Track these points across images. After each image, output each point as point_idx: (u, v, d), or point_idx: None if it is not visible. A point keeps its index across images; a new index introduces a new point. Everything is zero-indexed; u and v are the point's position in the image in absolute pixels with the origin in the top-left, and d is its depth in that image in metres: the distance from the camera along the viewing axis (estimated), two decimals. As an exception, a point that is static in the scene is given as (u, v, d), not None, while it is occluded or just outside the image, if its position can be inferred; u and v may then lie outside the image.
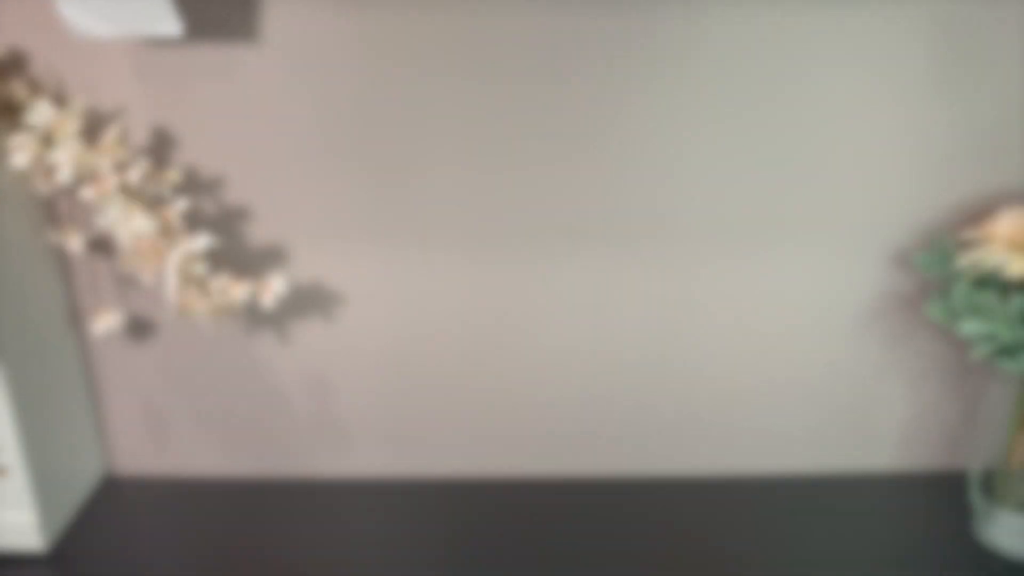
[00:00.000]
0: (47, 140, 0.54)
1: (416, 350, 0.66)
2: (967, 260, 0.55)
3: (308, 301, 0.64)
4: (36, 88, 0.57)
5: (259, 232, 0.62)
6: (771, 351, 0.66)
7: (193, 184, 0.60)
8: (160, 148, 0.59)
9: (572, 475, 0.70)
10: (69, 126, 0.54)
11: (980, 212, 0.60)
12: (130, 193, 0.55)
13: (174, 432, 0.69)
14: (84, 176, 0.55)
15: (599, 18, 0.55)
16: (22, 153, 0.54)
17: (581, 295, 0.64)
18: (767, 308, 0.64)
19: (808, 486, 0.68)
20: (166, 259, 0.55)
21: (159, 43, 0.56)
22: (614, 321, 0.65)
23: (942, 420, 0.68)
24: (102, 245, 0.62)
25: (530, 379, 0.67)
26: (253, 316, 0.65)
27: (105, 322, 0.60)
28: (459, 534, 0.64)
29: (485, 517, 0.66)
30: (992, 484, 0.61)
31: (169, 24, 0.51)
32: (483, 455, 0.70)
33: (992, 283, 0.56)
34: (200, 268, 0.56)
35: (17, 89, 0.56)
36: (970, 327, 0.54)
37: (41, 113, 0.53)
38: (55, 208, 0.61)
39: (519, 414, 0.68)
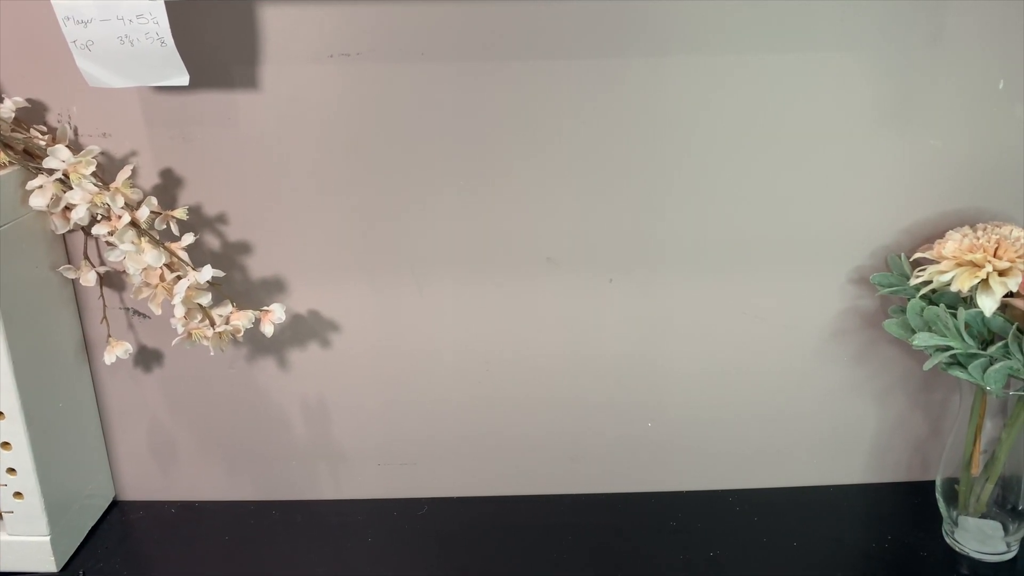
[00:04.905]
0: (64, 182, 0.59)
1: (408, 376, 0.69)
2: (919, 278, 0.59)
3: (305, 330, 0.68)
4: (53, 134, 0.61)
5: (259, 265, 0.66)
6: (743, 371, 0.69)
7: (198, 221, 0.64)
8: (168, 188, 0.64)
9: (561, 493, 0.73)
10: (84, 169, 0.58)
11: (931, 234, 0.64)
12: (140, 230, 0.59)
13: (179, 457, 0.72)
14: (98, 215, 0.59)
15: (576, 62, 0.59)
16: (41, 194, 0.58)
17: (563, 319, 0.67)
18: (739, 329, 0.68)
19: (782, 498, 0.71)
20: (173, 290, 0.59)
21: (167, 91, 0.60)
22: (596, 344, 0.68)
23: (910, 432, 0.71)
24: (112, 279, 0.66)
25: (518, 402, 0.70)
26: (254, 345, 0.68)
27: (115, 352, 0.63)
28: (453, 552, 0.66)
29: (478, 535, 0.68)
30: (956, 491, 0.64)
31: (177, 76, 0.56)
32: (475, 475, 0.72)
33: (942, 298, 0.60)
34: (205, 299, 0.60)
35: (36, 136, 0.61)
36: (921, 340, 0.57)
37: (59, 157, 0.58)
38: (70, 245, 0.65)
39: (508, 435, 0.71)
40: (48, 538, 0.63)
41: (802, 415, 0.70)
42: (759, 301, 0.67)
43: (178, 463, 0.72)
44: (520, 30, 0.59)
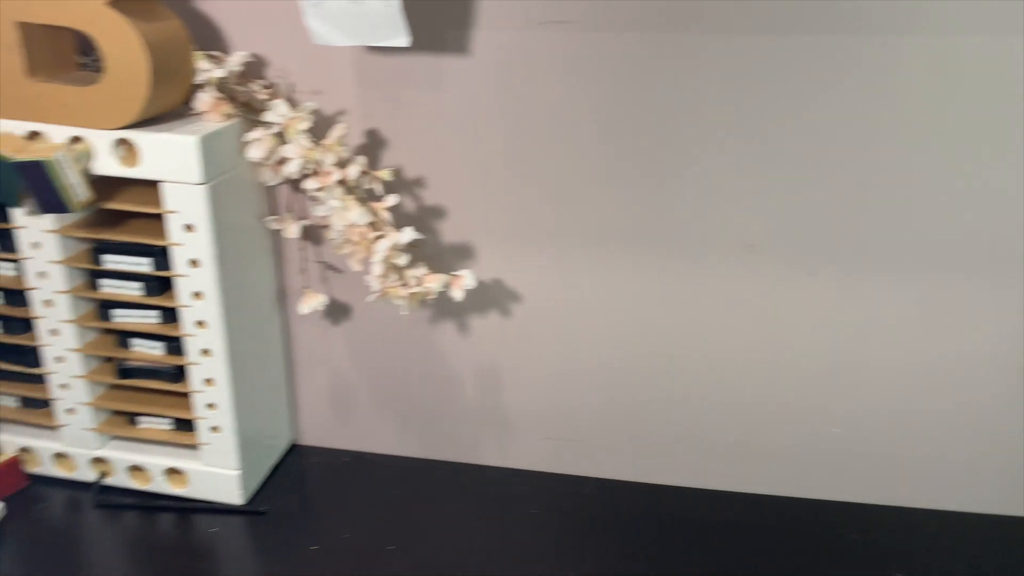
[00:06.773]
0: (279, 136, 0.61)
1: (584, 354, 0.68)
2: None
3: (488, 298, 0.68)
4: (273, 89, 0.63)
5: (451, 230, 0.66)
6: (950, 380, 0.64)
7: (397, 183, 0.65)
8: (371, 148, 0.65)
9: (732, 490, 0.70)
10: (300, 124, 0.60)
11: None
12: (348, 187, 0.60)
13: (356, 408, 0.74)
14: (308, 170, 0.61)
15: (799, 39, 0.56)
16: (259, 146, 0.61)
17: (756, 311, 0.64)
18: (946, 332, 0.63)
19: (981, 524, 0.66)
20: (374, 249, 0.60)
21: (379, 52, 0.61)
22: (785, 333, 0.65)
23: None
24: (309, 233, 0.68)
25: (693, 387, 0.68)
26: (437, 308, 0.69)
27: (311, 303, 0.66)
28: (611, 533, 0.65)
29: (638, 521, 0.67)
30: None
31: (399, 36, 0.56)
32: (640, 459, 0.71)
33: None
34: (402, 259, 0.61)
35: (256, 90, 0.63)
36: None
37: (279, 112, 0.59)
38: (272, 198, 0.68)
39: (682, 427, 0.69)
40: (238, 472, 0.67)
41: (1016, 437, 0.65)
42: (975, 302, 0.61)
43: (354, 414, 0.75)
44: (739, 2, 0.55)
